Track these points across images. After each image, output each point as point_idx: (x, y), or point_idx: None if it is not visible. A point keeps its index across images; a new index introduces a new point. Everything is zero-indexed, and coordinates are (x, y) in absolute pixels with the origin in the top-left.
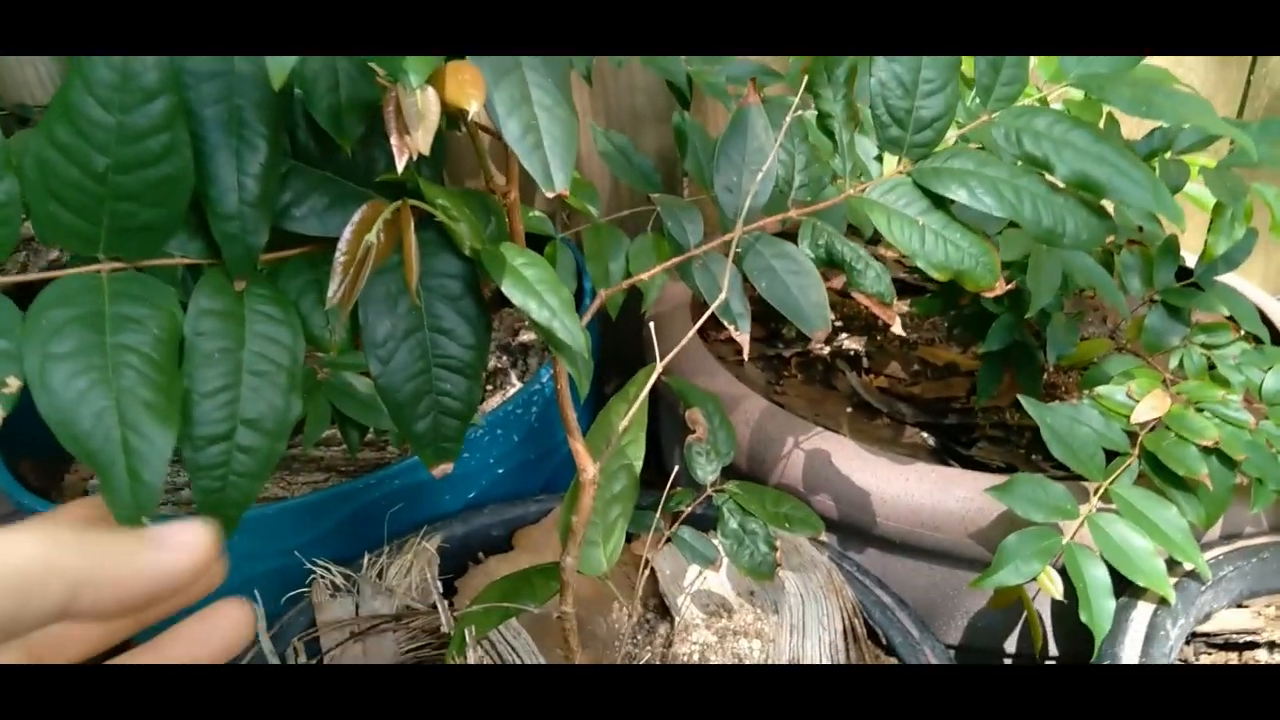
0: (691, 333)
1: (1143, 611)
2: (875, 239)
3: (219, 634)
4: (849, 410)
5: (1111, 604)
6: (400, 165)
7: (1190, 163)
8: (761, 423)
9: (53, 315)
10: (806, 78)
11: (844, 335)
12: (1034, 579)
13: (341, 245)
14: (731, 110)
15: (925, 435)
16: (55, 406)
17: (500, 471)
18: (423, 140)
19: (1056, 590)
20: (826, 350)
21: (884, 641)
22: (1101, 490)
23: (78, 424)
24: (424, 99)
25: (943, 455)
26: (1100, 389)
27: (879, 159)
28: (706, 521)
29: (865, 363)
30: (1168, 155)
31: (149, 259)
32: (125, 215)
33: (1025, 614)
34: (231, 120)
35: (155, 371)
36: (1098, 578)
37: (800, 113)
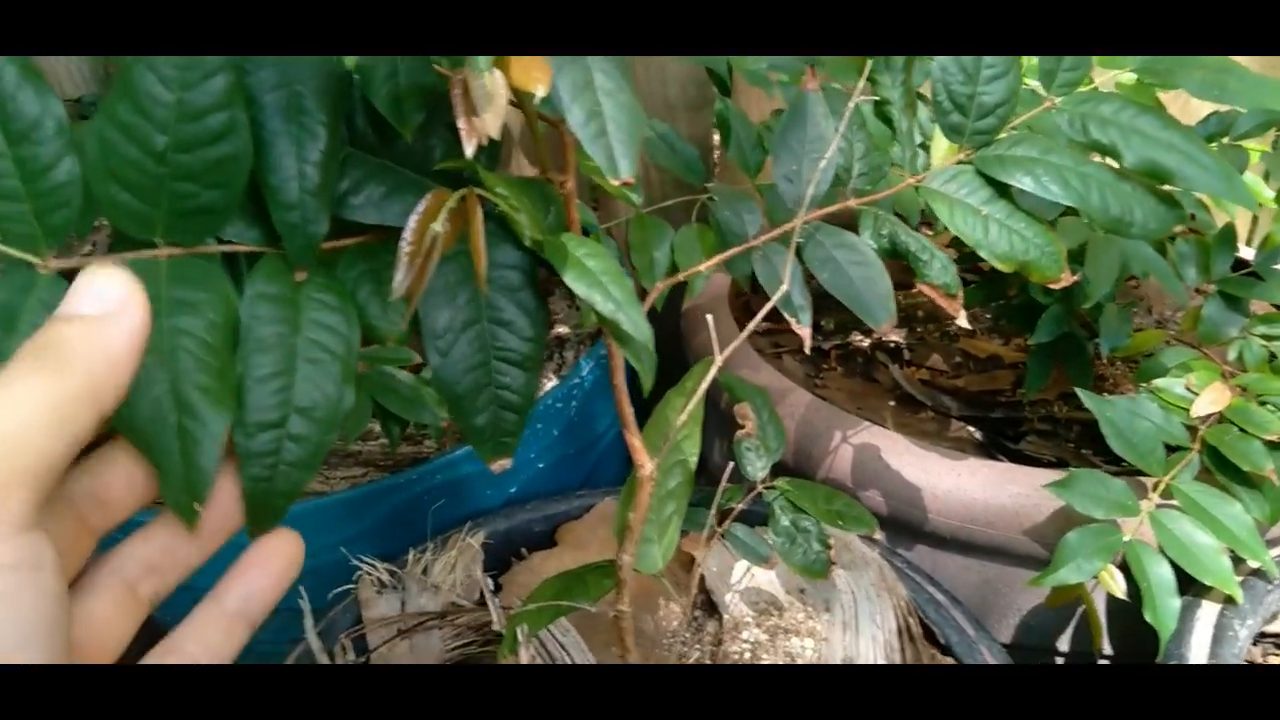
0: (751, 326)
1: (1208, 611)
2: (915, 229)
3: (277, 560)
4: (891, 404)
5: (1177, 603)
6: (469, 150)
7: (1248, 148)
8: (807, 417)
9: None
10: (870, 63)
11: None
12: (1094, 577)
13: (407, 235)
14: (773, 97)
15: (971, 429)
16: None
17: (540, 466)
18: (492, 124)
19: (1119, 589)
20: (866, 342)
21: (941, 641)
22: (1162, 486)
23: (134, 408)
24: (493, 81)
25: (990, 449)
26: (1158, 381)
27: (924, 146)
28: (754, 518)
29: (906, 355)
30: (1225, 140)
31: (206, 245)
32: (184, 196)
33: (1079, 612)
34: (291, 107)
35: (211, 356)
36: (1162, 576)
37: (859, 99)
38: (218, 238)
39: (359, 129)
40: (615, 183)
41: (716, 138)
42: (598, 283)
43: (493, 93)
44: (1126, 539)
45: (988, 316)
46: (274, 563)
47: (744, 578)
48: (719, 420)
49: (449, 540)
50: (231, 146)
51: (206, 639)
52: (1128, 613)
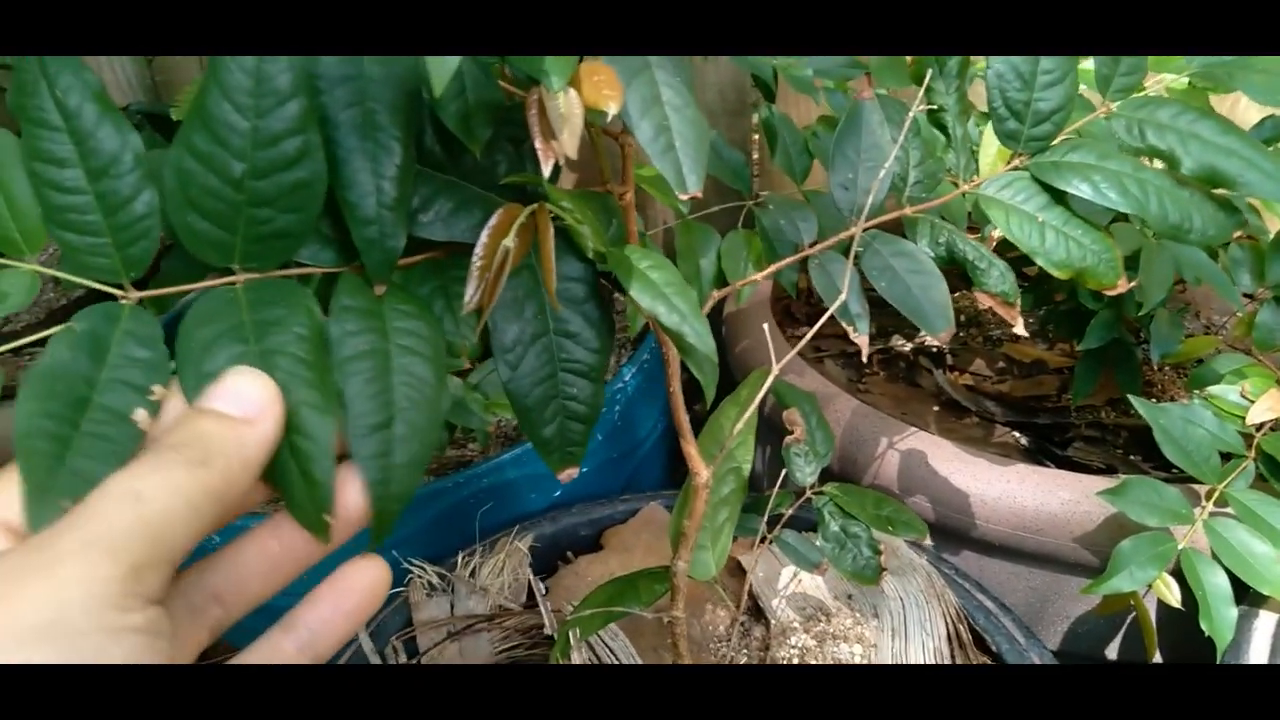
0: (808, 336)
1: (1266, 621)
2: None
3: (353, 595)
4: (935, 409)
5: (1233, 612)
6: (547, 170)
7: None
8: (853, 422)
9: (200, 334)
10: (928, 72)
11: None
12: (1148, 585)
13: (478, 250)
14: (819, 103)
15: (1017, 435)
16: None
17: (584, 470)
18: (569, 144)
19: (1174, 598)
20: (908, 347)
21: (991, 648)
22: (1217, 494)
23: None
24: (568, 101)
25: (1037, 455)
26: (1212, 389)
27: (972, 152)
28: (802, 523)
29: (949, 360)
30: None
31: (282, 268)
32: (261, 221)
33: (1129, 620)
34: (365, 124)
35: (305, 369)
36: (1218, 585)
37: (920, 108)
38: (293, 260)
39: (426, 146)
40: (684, 197)
41: (754, 140)
42: (662, 295)
43: (568, 114)
44: (1181, 547)
45: (1032, 321)
46: (349, 596)
47: (790, 583)
48: (762, 426)
49: (496, 543)
50: (307, 171)
51: None
52: (1179, 621)
